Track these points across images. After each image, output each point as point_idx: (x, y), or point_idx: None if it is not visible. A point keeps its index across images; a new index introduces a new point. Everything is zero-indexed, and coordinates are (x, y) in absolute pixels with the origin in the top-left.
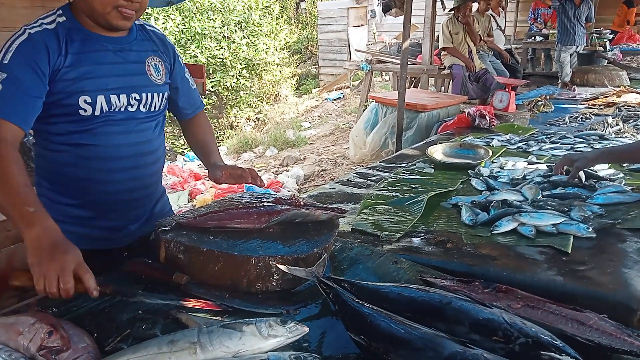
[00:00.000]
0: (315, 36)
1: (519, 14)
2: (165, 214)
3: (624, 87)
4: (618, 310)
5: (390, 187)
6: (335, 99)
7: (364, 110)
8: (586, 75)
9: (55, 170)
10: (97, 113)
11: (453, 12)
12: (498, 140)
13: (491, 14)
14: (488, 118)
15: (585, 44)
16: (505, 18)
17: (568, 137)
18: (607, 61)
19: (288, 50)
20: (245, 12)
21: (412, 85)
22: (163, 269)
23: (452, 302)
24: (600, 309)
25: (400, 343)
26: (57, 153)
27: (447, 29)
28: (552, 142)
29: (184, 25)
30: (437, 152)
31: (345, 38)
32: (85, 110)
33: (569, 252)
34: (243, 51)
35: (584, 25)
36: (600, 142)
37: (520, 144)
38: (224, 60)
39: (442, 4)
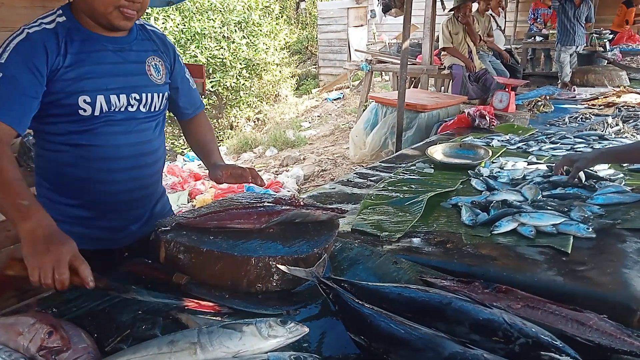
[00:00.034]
0: (315, 36)
1: (518, 14)
2: (166, 214)
3: (624, 87)
4: (618, 311)
5: (390, 187)
6: (335, 99)
7: (364, 110)
8: (586, 75)
9: (55, 170)
10: (97, 113)
11: (453, 12)
12: (498, 141)
13: (491, 14)
14: (488, 118)
15: (585, 44)
16: (505, 18)
17: (568, 138)
18: (606, 61)
19: (288, 50)
20: (245, 12)
21: (412, 85)
22: (163, 269)
23: (452, 302)
24: (600, 309)
25: (400, 343)
26: (57, 153)
27: (447, 29)
28: (552, 143)
29: (184, 25)
30: (437, 152)
31: (345, 38)
32: (84, 110)
33: (569, 252)
34: (243, 51)
35: (583, 25)
36: (600, 143)
37: (520, 144)
38: (224, 60)
39: (442, 4)
